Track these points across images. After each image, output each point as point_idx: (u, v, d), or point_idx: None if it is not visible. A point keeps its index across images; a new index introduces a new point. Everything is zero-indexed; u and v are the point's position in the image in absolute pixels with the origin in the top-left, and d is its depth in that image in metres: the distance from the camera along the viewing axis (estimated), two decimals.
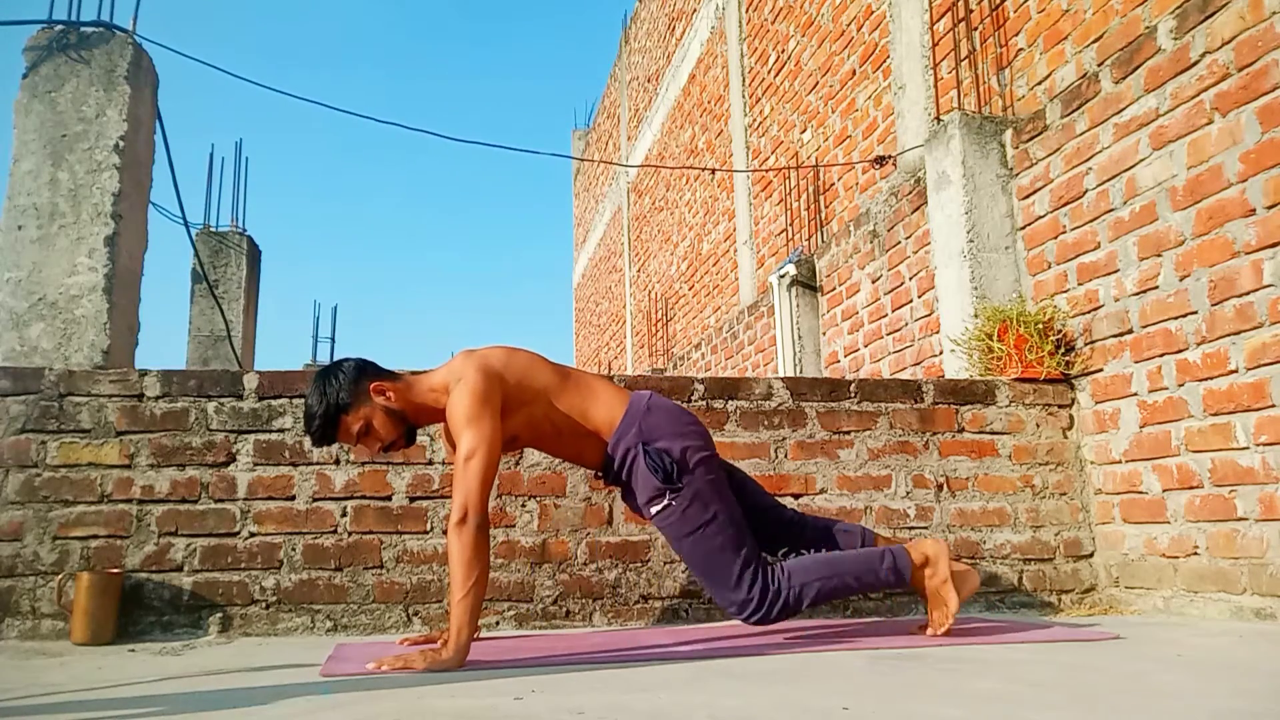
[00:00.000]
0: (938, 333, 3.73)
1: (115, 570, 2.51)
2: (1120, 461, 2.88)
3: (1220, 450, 2.53)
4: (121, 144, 3.15)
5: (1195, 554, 2.61)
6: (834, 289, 4.86)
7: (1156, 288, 2.73)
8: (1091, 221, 2.99)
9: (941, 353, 3.65)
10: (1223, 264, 2.51)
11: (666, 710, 1.44)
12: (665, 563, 2.79)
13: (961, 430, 3.01)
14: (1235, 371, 2.48)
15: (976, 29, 3.95)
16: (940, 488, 2.95)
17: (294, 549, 2.64)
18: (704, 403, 2.90)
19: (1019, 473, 3.00)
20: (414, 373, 2.25)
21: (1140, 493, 2.81)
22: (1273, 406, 2.37)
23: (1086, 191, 3.01)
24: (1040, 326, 3.06)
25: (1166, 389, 2.71)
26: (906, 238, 4.11)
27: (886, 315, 4.29)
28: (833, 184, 5.41)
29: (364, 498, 2.70)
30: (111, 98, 3.17)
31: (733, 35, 7.25)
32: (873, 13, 4.94)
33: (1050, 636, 2.26)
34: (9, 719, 1.48)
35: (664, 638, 2.37)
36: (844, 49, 5.29)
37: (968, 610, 2.66)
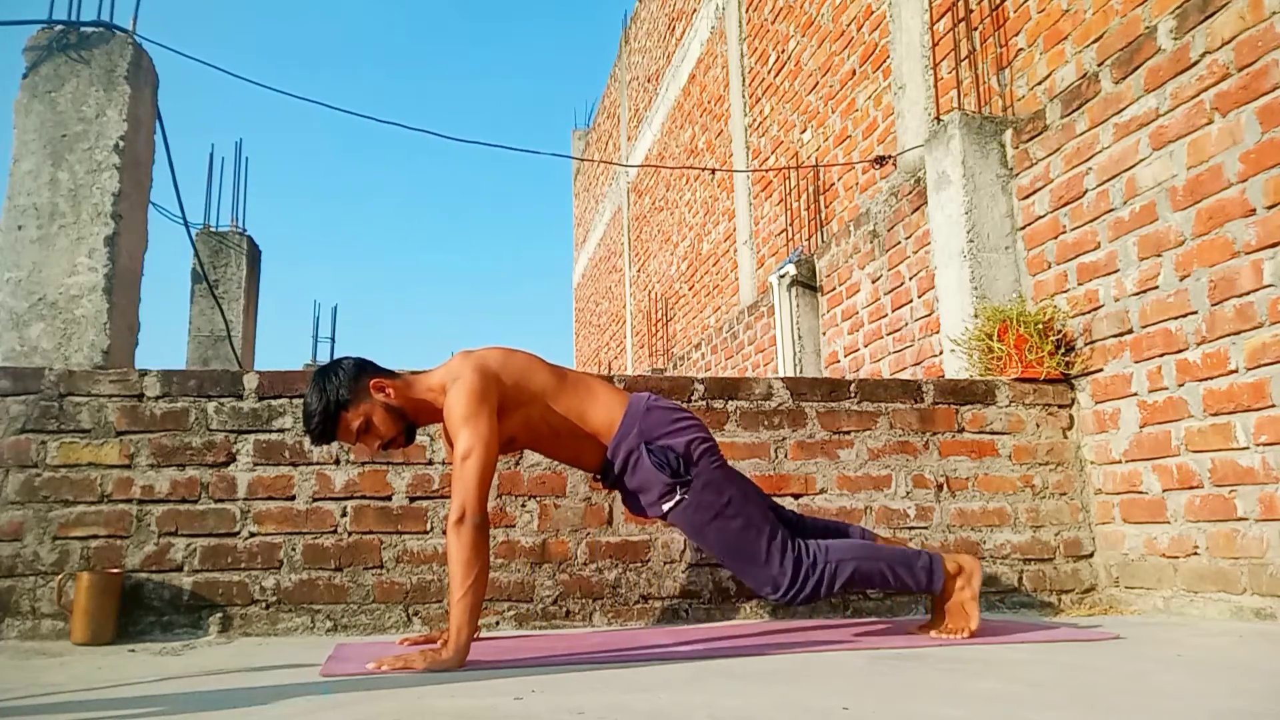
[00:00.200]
0: (938, 333, 3.73)
1: (115, 570, 2.51)
2: (1120, 461, 2.88)
3: (1220, 450, 2.53)
4: (121, 144, 3.14)
5: (1195, 554, 2.61)
6: (834, 289, 4.86)
7: (1156, 288, 2.73)
8: (1091, 221, 2.99)
9: (941, 353, 3.65)
10: (1223, 264, 2.51)
11: (666, 710, 1.44)
12: (665, 563, 2.79)
13: (961, 430, 3.01)
14: (1235, 371, 2.48)
15: (976, 29, 3.95)
16: (940, 488, 2.95)
17: (294, 549, 2.64)
18: (704, 403, 2.90)
19: (1019, 473, 3.00)
20: (413, 373, 2.25)
21: (1140, 493, 2.81)
22: (1273, 406, 2.37)
23: (1086, 191, 3.01)
24: (1040, 326, 3.06)
25: (1166, 389, 2.71)
26: (906, 238, 4.11)
27: (886, 315, 4.29)
28: (833, 184, 5.41)
29: (364, 498, 2.70)
30: (111, 98, 3.17)
31: (733, 35, 7.25)
32: (873, 13, 4.94)
33: (1050, 636, 2.26)
34: (9, 719, 1.48)
35: (664, 638, 2.37)
36: (844, 49, 5.29)
37: None
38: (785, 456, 2.91)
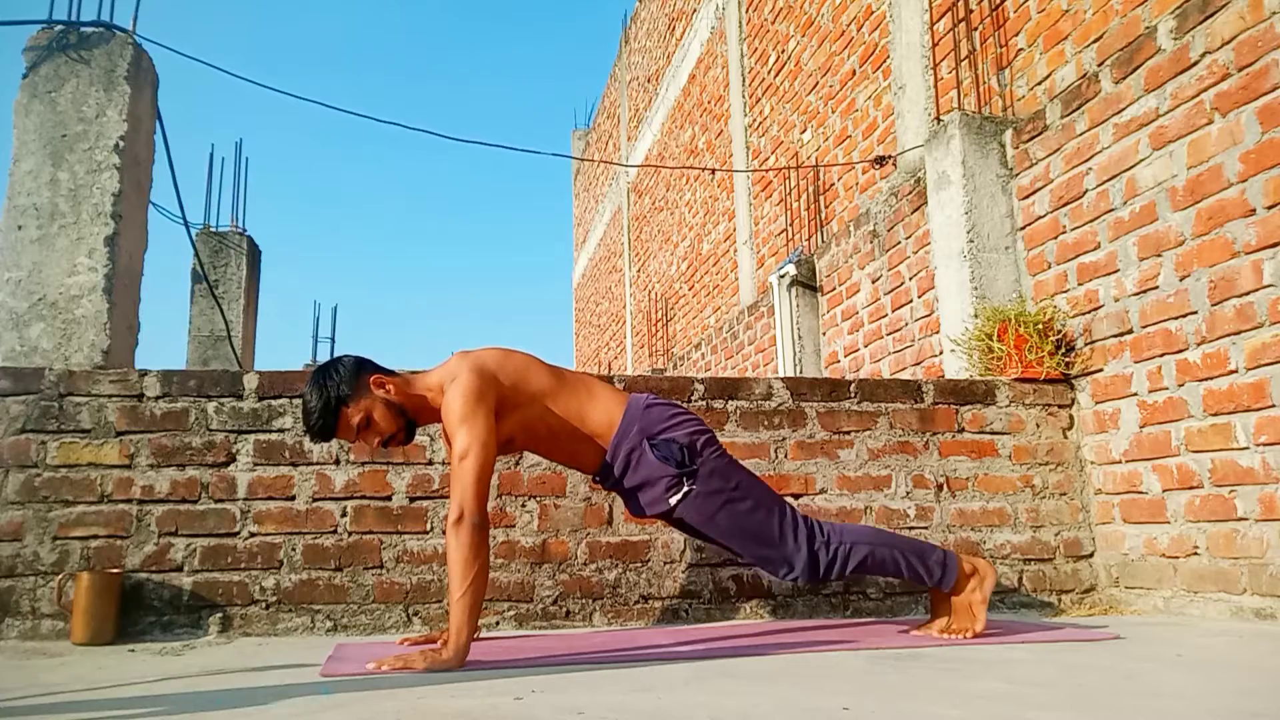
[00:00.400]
0: (938, 333, 3.73)
1: (115, 570, 2.51)
2: (1120, 461, 2.88)
3: (1220, 450, 2.53)
4: (121, 144, 3.14)
5: (1195, 554, 2.61)
6: (834, 289, 4.86)
7: (1156, 288, 2.73)
8: (1091, 221, 2.99)
9: (941, 353, 3.65)
10: (1223, 264, 2.51)
11: (667, 710, 1.44)
12: (665, 563, 2.79)
13: (961, 430, 3.01)
14: (1235, 371, 2.48)
15: (976, 29, 3.95)
16: (940, 488, 2.95)
17: (294, 549, 2.64)
18: (704, 403, 2.90)
19: (1019, 473, 3.00)
20: (412, 373, 2.25)
21: (1140, 493, 2.81)
22: (1273, 406, 2.37)
23: (1086, 191, 3.01)
24: (1040, 326, 3.06)
25: (1166, 389, 2.71)
26: (906, 238, 4.11)
27: (886, 315, 4.29)
28: (833, 184, 5.41)
29: (364, 498, 2.70)
30: (111, 98, 3.17)
31: (733, 35, 7.26)
32: (873, 13, 4.94)
33: (1050, 636, 2.26)
34: (9, 719, 1.48)
35: (664, 638, 2.37)
36: (844, 49, 5.29)
37: None
38: (785, 456, 2.91)
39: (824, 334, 4.99)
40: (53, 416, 2.62)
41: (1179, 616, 2.63)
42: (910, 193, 4.06)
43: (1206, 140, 2.57)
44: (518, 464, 2.79)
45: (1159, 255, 2.73)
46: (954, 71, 3.98)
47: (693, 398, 2.90)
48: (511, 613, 2.69)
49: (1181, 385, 2.65)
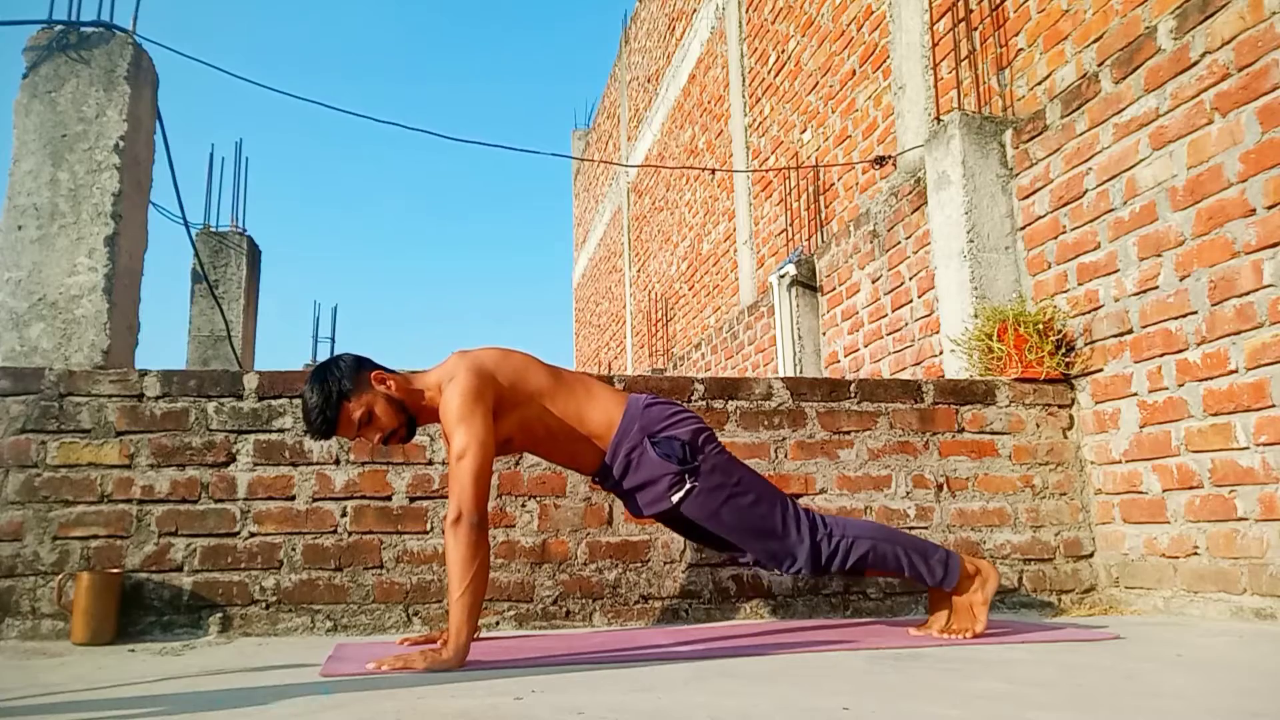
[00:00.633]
0: (938, 333, 3.73)
1: (115, 570, 2.51)
2: (1120, 461, 2.88)
3: (1220, 450, 2.53)
4: (121, 144, 3.14)
5: (1195, 554, 2.61)
6: (834, 289, 4.86)
7: (1156, 288, 2.73)
8: (1091, 221, 2.99)
9: (941, 353, 3.65)
10: (1223, 264, 2.51)
11: (667, 710, 1.44)
12: (665, 563, 2.79)
13: (961, 430, 3.01)
14: (1235, 371, 2.48)
15: (976, 29, 3.95)
16: (940, 488, 2.95)
17: (294, 549, 2.64)
18: (704, 403, 2.90)
19: (1019, 473, 3.00)
20: (411, 372, 2.25)
21: (1140, 493, 2.81)
22: (1273, 406, 2.37)
23: (1086, 191, 3.01)
24: (1040, 326, 3.06)
25: (1166, 389, 2.71)
26: (906, 238, 4.11)
27: (886, 315, 4.29)
28: (833, 184, 5.41)
29: (364, 498, 2.70)
30: (111, 98, 3.17)
31: (733, 35, 7.26)
32: (873, 13, 4.94)
33: (1050, 636, 2.26)
34: (9, 719, 1.48)
35: (664, 638, 2.37)
36: (844, 49, 5.29)
37: None
38: (785, 456, 2.91)
39: (824, 334, 4.99)
40: (53, 416, 2.62)
41: (1179, 616, 2.63)
42: (910, 193, 4.06)
43: (1206, 140, 2.57)
44: (517, 464, 2.79)
45: (1159, 255, 2.73)
46: (954, 71, 3.98)
47: (693, 398, 2.90)
48: (511, 613, 2.69)
49: (1181, 385, 2.65)
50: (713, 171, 7.69)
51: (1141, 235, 2.79)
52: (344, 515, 2.68)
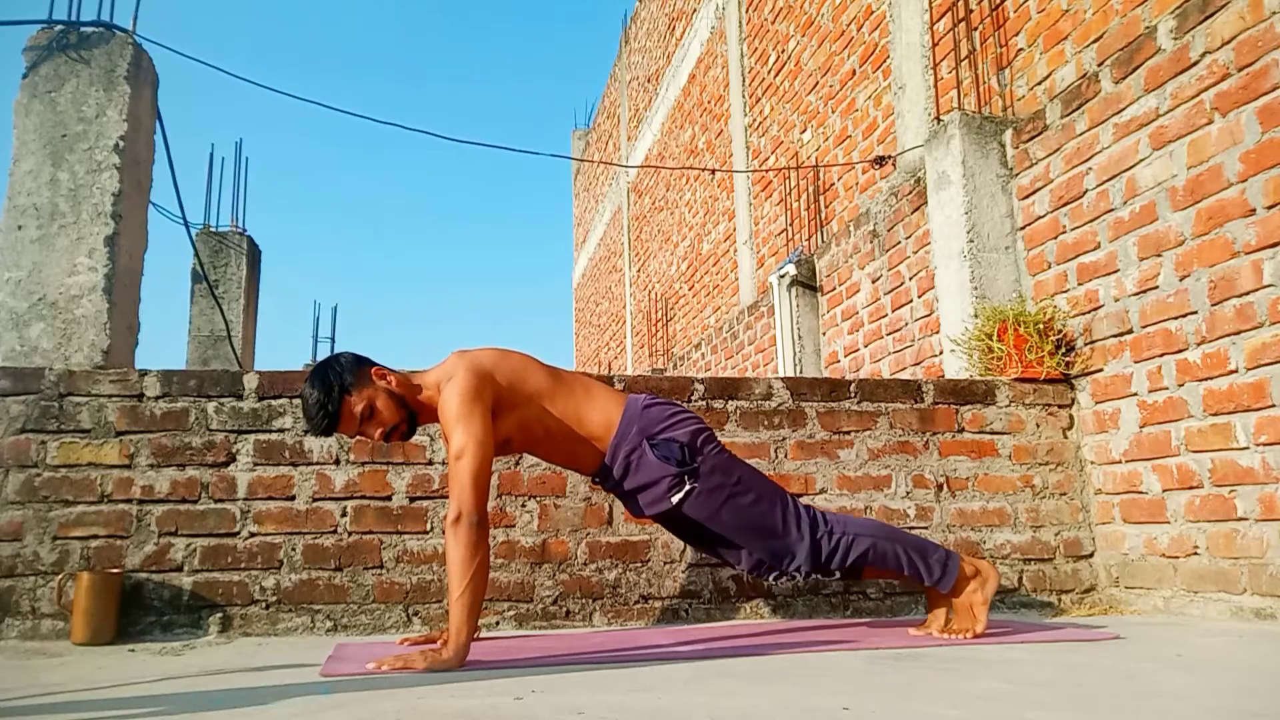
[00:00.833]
0: (938, 333, 3.73)
1: (115, 570, 2.51)
2: (1120, 461, 2.88)
3: (1220, 450, 2.53)
4: (121, 144, 3.14)
5: (1195, 554, 2.61)
6: (834, 289, 4.86)
7: (1156, 288, 2.73)
8: (1091, 221, 2.99)
9: (941, 353, 3.65)
10: (1223, 264, 2.51)
11: (667, 710, 1.44)
12: (665, 563, 2.79)
13: (961, 430, 3.01)
14: (1235, 371, 2.48)
15: (976, 29, 3.95)
16: (940, 488, 2.95)
17: (294, 549, 2.64)
18: (704, 403, 2.90)
19: (1019, 473, 3.00)
20: (410, 372, 2.25)
21: (1140, 493, 2.81)
22: (1273, 406, 2.37)
23: (1086, 191, 3.01)
24: (1040, 326, 3.06)
25: (1166, 389, 2.71)
26: (906, 238, 4.11)
27: (886, 315, 4.29)
28: (833, 184, 5.41)
29: (364, 498, 2.70)
30: (111, 98, 3.17)
31: (733, 35, 7.26)
32: (873, 13, 4.94)
33: (1050, 636, 2.26)
34: (9, 719, 1.48)
35: (664, 638, 2.37)
36: (844, 49, 5.29)
37: None
38: (785, 456, 2.91)
39: (824, 334, 4.99)
40: (53, 416, 2.62)
41: (1179, 616, 2.63)
42: (910, 193, 4.06)
43: (1206, 140, 2.57)
44: (517, 464, 2.79)
45: (1159, 255, 2.73)
46: (954, 71, 3.98)
47: (693, 398, 2.90)
48: (511, 613, 2.69)
49: (1181, 385, 2.65)
50: (713, 171, 7.69)
51: (1141, 235, 2.79)
52: (344, 515, 2.68)
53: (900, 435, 2.97)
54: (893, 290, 4.24)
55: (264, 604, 2.59)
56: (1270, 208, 2.38)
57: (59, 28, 3.19)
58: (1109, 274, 2.92)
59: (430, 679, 1.77)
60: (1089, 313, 3.00)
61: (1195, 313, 2.60)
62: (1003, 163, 3.43)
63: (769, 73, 6.50)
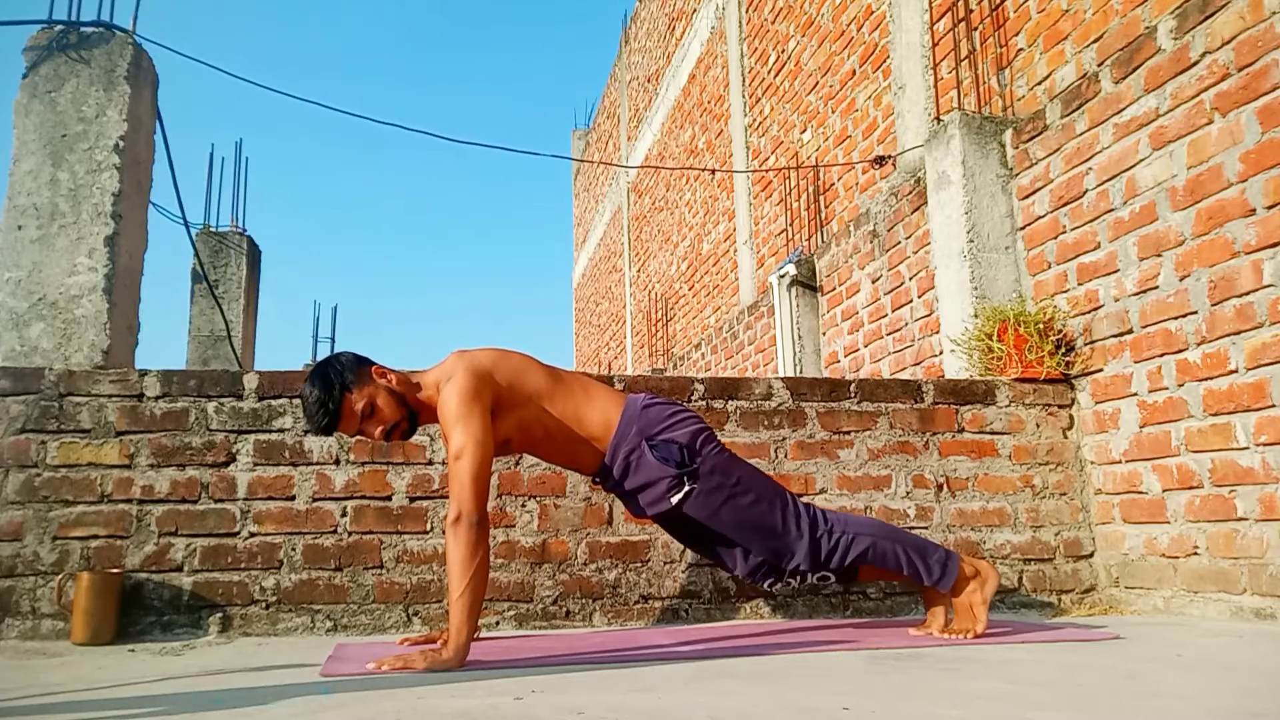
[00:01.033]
0: (938, 333, 3.73)
1: (115, 570, 2.51)
2: (1120, 461, 2.88)
3: (1220, 450, 2.53)
4: (121, 144, 3.14)
5: (1195, 554, 2.61)
6: (834, 289, 4.86)
7: (1156, 288, 2.73)
8: (1091, 221, 2.99)
9: (941, 353, 3.65)
10: (1223, 264, 2.51)
11: (667, 710, 1.44)
12: (665, 563, 2.79)
13: (961, 430, 3.01)
14: (1235, 371, 2.48)
15: (976, 29, 3.95)
16: (940, 488, 2.95)
17: (294, 549, 2.64)
18: (704, 403, 2.90)
19: (1019, 473, 3.00)
20: (410, 372, 2.25)
21: (1140, 493, 2.81)
22: (1273, 406, 2.37)
23: (1086, 191, 3.01)
24: (1040, 326, 3.06)
25: (1166, 389, 2.71)
26: (906, 238, 4.11)
27: (886, 315, 4.29)
28: (833, 184, 5.41)
29: (364, 498, 2.70)
30: (111, 98, 3.17)
31: (733, 35, 7.26)
32: (873, 13, 4.94)
33: (1050, 636, 2.26)
34: (9, 719, 1.48)
35: (664, 638, 2.37)
36: (844, 49, 5.29)
37: None
38: (785, 456, 2.91)
39: (824, 334, 4.99)
40: (53, 416, 2.62)
41: (1179, 616, 2.63)
42: (910, 193, 4.06)
43: (1206, 140, 2.57)
44: (517, 464, 2.79)
45: (1159, 255, 2.73)
46: (954, 71, 3.98)
47: (692, 398, 2.90)
48: (511, 613, 2.69)
49: (1181, 385, 2.65)
50: (713, 172, 7.69)
51: (1141, 235, 2.79)
52: (344, 515, 2.68)
53: (900, 435, 2.97)
54: (893, 290, 4.24)
55: (264, 604, 2.59)
56: (1270, 208, 2.38)
57: (59, 28, 3.19)
58: (1109, 274, 2.92)
59: (430, 679, 1.77)
60: (1089, 313, 3.00)
61: (1195, 313, 2.60)
62: (1003, 163, 3.43)
63: (769, 73, 6.50)
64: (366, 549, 2.67)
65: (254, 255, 6.63)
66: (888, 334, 4.29)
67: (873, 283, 4.43)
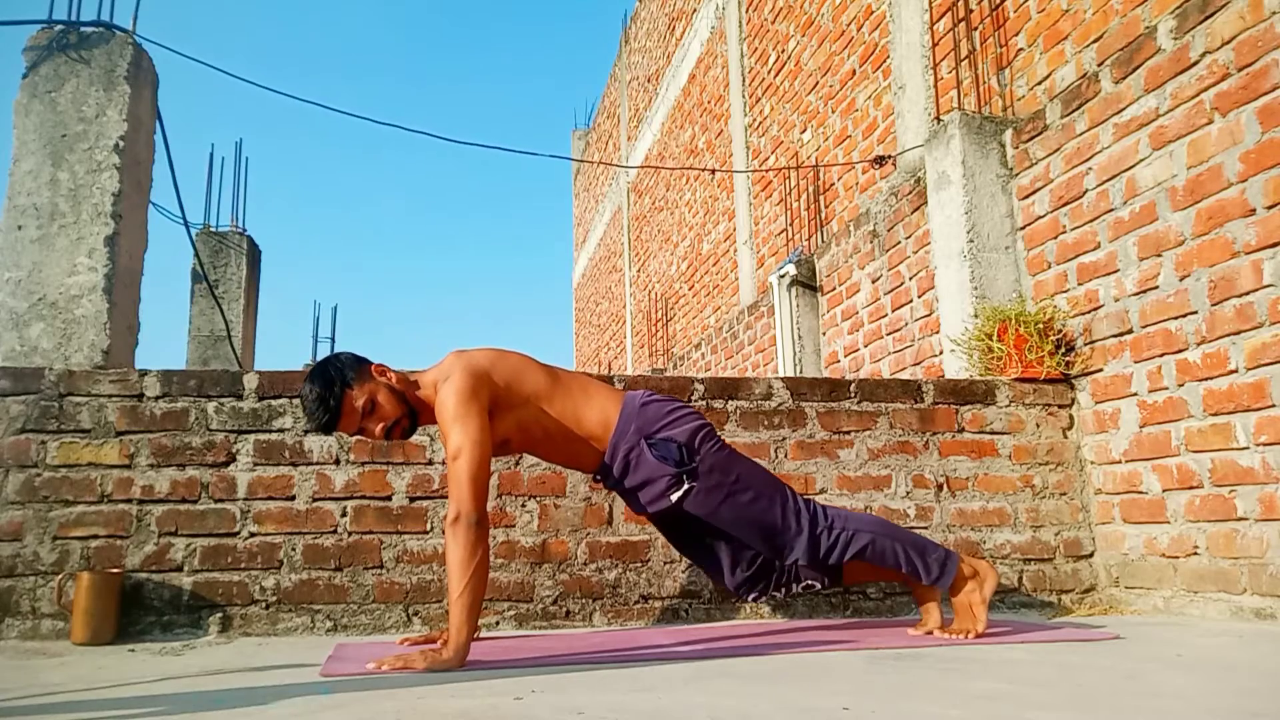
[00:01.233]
0: (938, 333, 3.73)
1: (115, 570, 2.51)
2: (1120, 461, 2.88)
3: (1220, 450, 2.53)
4: (121, 144, 3.14)
5: (1195, 554, 2.61)
6: (834, 289, 4.86)
7: (1156, 288, 2.73)
8: (1091, 221, 2.99)
9: (941, 353, 3.65)
10: (1223, 264, 2.51)
11: (667, 710, 1.44)
12: (665, 563, 2.79)
13: (961, 430, 3.01)
14: (1235, 371, 2.48)
15: (976, 29, 3.95)
16: (940, 488, 2.95)
17: (294, 549, 2.64)
18: (704, 403, 2.90)
19: (1019, 473, 3.00)
20: (409, 372, 2.25)
21: (1140, 493, 2.81)
22: (1273, 406, 2.37)
23: (1086, 191, 3.01)
24: (1040, 326, 3.06)
25: (1166, 389, 2.71)
26: (906, 238, 4.11)
27: (886, 315, 4.29)
28: (833, 184, 5.41)
29: (364, 498, 2.70)
30: (111, 98, 3.17)
31: (733, 35, 7.26)
32: (873, 13, 4.94)
33: (1050, 636, 2.26)
34: (9, 719, 1.48)
35: (664, 638, 2.37)
36: (844, 49, 5.29)
37: None
38: (785, 456, 2.91)
39: (824, 334, 4.99)
40: (53, 416, 2.62)
41: (1179, 616, 2.63)
42: (910, 193, 4.06)
43: (1206, 140, 2.57)
44: (517, 464, 2.79)
45: (1159, 255, 2.73)
46: (954, 71, 3.98)
47: (692, 398, 2.90)
48: (511, 613, 2.69)
49: (1181, 385, 2.65)
50: (713, 171, 7.69)
51: (1141, 235, 2.79)
52: (344, 515, 2.68)
53: (900, 435, 2.97)
54: (893, 290, 4.24)
55: (264, 604, 2.59)
56: (1270, 208, 2.38)
57: (59, 28, 3.19)
58: (1109, 274, 2.92)
59: (430, 679, 1.77)
60: (1089, 313, 3.00)
61: (1195, 313, 2.60)
62: (1003, 163, 3.43)
63: (769, 73, 6.50)
64: (366, 549, 2.67)
65: (254, 255, 6.63)
66: (888, 334, 4.29)
67: (873, 283, 4.43)
